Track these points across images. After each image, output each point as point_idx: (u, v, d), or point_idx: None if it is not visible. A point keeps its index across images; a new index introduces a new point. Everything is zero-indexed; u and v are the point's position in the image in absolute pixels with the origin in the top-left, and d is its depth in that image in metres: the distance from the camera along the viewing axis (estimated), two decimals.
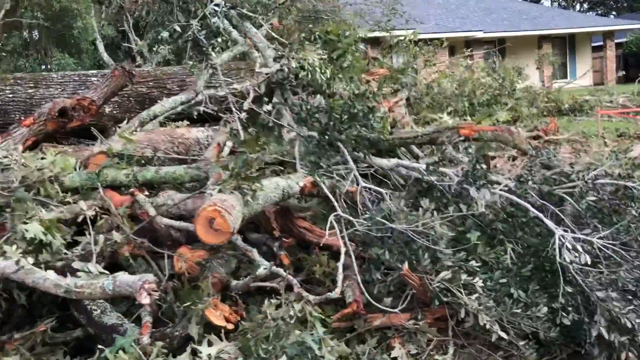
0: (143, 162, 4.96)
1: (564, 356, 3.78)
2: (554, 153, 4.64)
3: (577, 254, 3.55)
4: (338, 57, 4.54)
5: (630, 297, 3.56)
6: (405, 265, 3.46)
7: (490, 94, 14.50)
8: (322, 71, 4.02)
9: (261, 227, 4.01)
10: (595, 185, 4.25)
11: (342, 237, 3.74)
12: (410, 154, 5.37)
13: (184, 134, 5.52)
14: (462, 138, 4.72)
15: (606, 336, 3.43)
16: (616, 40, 32.30)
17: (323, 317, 3.25)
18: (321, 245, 4.00)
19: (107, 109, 8.45)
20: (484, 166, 4.05)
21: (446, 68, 17.06)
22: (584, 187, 4.24)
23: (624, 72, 31.53)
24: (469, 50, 17.78)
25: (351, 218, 3.57)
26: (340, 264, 3.62)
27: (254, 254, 3.57)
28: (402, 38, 16.14)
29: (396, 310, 3.56)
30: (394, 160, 4.32)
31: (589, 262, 3.55)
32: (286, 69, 3.92)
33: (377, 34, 17.66)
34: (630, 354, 3.58)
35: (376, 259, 3.76)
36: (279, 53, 4.14)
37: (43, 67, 18.79)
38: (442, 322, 3.80)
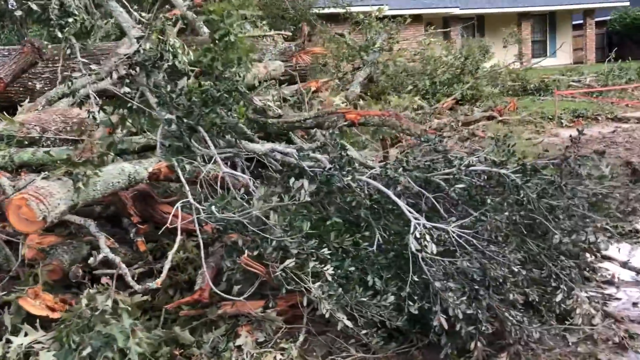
0: (27, 143, 4.88)
1: (420, 345, 3.76)
2: (439, 139, 4.56)
3: (426, 242, 3.52)
4: (220, 38, 4.44)
5: (477, 287, 3.53)
6: (245, 254, 3.41)
7: (451, 72, 14.34)
8: (184, 53, 3.94)
9: (123, 213, 3.94)
10: (470, 172, 4.20)
11: (199, 223, 3.68)
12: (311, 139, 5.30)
13: (80, 114, 5.41)
14: (346, 123, 4.65)
15: (445, 326, 3.41)
16: (601, 18, 32.03)
17: (138, 306, 3.20)
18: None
19: (39, 85, 8.36)
20: (350, 153, 3.97)
21: (413, 46, 16.87)
22: (458, 174, 4.19)
23: (608, 51, 31.31)
24: (432, 28, 17.50)
25: (197, 205, 3.50)
26: (202, 251, 3.58)
27: (101, 241, 3.51)
28: (366, 15, 15.97)
29: (240, 298, 3.52)
30: (268, 145, 4.25)
31: (435, 252, 3.50)
32: (142, 50, 3.82)
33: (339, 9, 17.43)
34: (480, 344, 3.57)
35: (231, 246, 3.72)
36: (142, 34, 4.04)
37: None
38: (297, 309, 3.78)
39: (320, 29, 14.41)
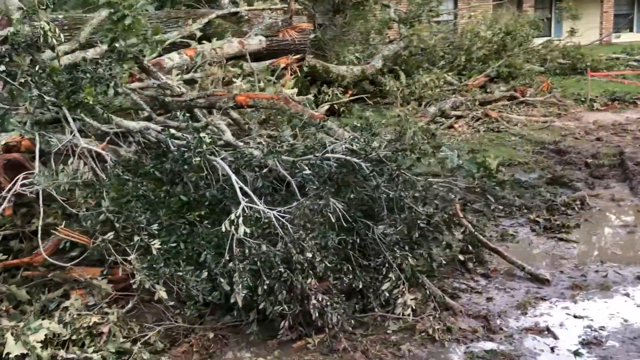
0: None
1: (251, 320, 3.94)
2: (322, 124, 4.67)
3: (237, 225, 3.72)
4: (119, 19, 4.75)
5: (281, 270, 3.69)
6: (62, 225, 3.76)
7: (488, 49, 13.90)
8: (54, 36, 4.26)
9: None
10: (324, 159, 4.31)
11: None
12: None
13: None
14: (234, 104, 4.85)
15: (240, 303, 3.62)
16: None
17: None
18: None
19: None
20: (205, 136, 4.19)
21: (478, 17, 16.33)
22: (314, 160, 4.32)
23: None
24: None
25: (38, 178, 3.86)
26: (40, 221, 3.96)
27: None
28: None
29: (69, 265, 3.88)
30: (143, 123, 4.55)
31: (247, 233, 3.70)
32: (17, 32, 4.18)
33: None
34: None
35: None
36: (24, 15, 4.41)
37: None
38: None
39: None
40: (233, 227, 3.73)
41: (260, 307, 3.70)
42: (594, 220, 6.01)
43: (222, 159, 4.19)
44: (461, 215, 5.10)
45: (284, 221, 3.81)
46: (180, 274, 3.78)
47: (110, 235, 3.76)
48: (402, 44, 14.11)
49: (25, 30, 4.25)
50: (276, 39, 9.06)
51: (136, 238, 3.81)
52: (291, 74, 7.88)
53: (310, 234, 3.76)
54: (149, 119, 4.93)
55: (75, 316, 3.76)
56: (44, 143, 4.12)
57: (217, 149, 4.31)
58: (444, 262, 4.73)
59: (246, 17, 9.47)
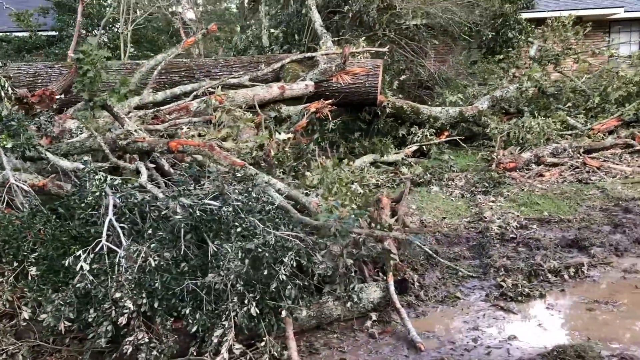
0: None
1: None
2: (239, 171, 4.92)
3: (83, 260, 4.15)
4: (84, 73, 5.49)
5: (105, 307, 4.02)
6: None
7: (626, 90, 12.58)
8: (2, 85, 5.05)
9: None
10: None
11: None
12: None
13: None
14: (166, 149, 5.26)
15: (62, 330, 4.01)
16: None
17: None
18: None
19: None
20: (102, 178, 4.68)
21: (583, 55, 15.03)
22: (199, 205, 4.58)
23: None
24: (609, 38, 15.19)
25: None
26: None
27: None
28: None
29: None
30: (76, 164, 5.16)
31: (86, 268, 4.10)
32: None
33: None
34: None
35: None
36: None
37: None
38: None
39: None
40: (81, 262, 4.15)
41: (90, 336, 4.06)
42: (572, 292, 5.30)
43: (120, 197, 4.64)
44: (372, 271, 4.92)
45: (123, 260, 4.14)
46: (40, 299, 4.30)
47: None
48: (528, 84, 13.34)
49: None
50: (328, 83, 9.30)
51: (15, 263, 4.43)
52: (319, 118, 8.03)
53: (136, 275, 4.04)
54: (105, 159, 5.57)
55: None
56: None
57: (110, 190, 4.73)
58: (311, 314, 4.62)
59: (326, 61, 9.84)
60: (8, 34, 19.25)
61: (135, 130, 5.61)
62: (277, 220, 4.62)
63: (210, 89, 7.77)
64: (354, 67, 9.30)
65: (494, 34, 17.27)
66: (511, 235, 6.69)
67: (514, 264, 5.83)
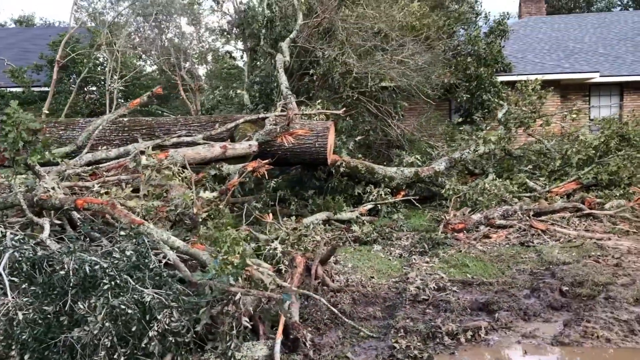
0: None
1: None
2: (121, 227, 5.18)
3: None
4: (6, 134, 5.85)
5: None
6: None
7: (585, 153, 12.81)
8: None
9: None
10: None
11: None
12: None
13: None
14: (73, 207, 5.55)
15: None
16: None
17: None
18: None
19: None
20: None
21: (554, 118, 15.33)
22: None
23: None
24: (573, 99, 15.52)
25: None
26: None
27: None
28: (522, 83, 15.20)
29: None
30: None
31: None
32: None
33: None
34: None
35: None
36: None
37: None
38: None
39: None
40: None
41: None
42: (462, 355, 5.42)
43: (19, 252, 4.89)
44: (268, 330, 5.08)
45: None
46: None
47: None
48: (484, 148, 13.62)
49: None
50: (274, 143, 9.65)
51: None
52: (255, 177, 8.32)
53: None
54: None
55: None
56: None
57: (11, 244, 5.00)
58: None
59: (274, 122, 10.21)
60: (3, 89, 20.00)
61: (53, 188, 5.91)
62: (159, 277, 4.84)
63: (142, 149, 8.14)
64: (297, 129, 9.63)
65: (468, 96, 17.74)
66: (423, 297, 6.82)
67: (415, 326, 5.96)
